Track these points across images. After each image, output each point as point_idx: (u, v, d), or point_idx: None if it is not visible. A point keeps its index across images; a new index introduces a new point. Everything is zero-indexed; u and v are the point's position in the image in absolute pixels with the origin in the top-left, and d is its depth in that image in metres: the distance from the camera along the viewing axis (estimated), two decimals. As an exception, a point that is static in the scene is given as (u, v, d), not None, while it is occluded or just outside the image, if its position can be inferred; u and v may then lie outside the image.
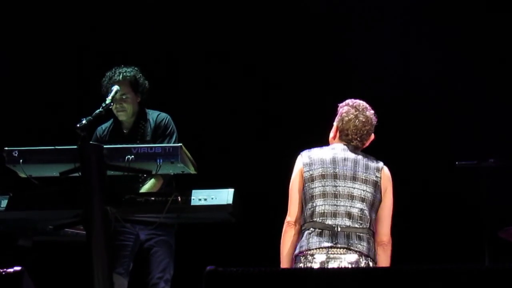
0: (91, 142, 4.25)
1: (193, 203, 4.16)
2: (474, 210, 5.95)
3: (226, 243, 6.92)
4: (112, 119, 5.71)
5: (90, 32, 7.23)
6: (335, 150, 4.65)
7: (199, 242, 6.76)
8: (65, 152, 4.11)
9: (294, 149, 4.85)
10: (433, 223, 6.86)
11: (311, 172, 4.59)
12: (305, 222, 4.56)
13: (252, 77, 7.27)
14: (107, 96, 4.74)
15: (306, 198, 4.58)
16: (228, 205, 4.17)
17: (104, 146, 4.13)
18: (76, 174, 4.12)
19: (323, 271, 3.24)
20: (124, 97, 5.57)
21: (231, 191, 4.16)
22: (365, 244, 4.48)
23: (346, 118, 4.65)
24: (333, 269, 4.04)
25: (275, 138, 7.06)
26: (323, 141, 4.87)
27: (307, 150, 4.70)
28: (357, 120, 4.63)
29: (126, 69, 5.63)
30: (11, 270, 2.86)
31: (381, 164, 4.65)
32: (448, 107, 6.88)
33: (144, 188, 5.42)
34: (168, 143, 5.46)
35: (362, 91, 7.01)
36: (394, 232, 6.87)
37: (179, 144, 4.16)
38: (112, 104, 4.64)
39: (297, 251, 4.53)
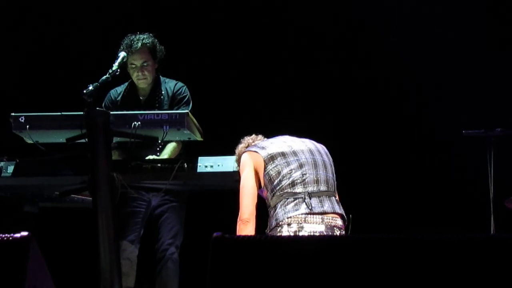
0: (98, 108, 4.22)
1: (199, 170, 4.16)
2: (480, 179, 5.94)
3: (232, 211, 6.92)
4: (127, 83, 5.65)
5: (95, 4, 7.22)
6: (279, 136, 4.75)
7: (205, 209, 6.76)
8: (72, 118, 4.10)
9: (302, 116, 4.85)
10: (440, 191, 6.86)
11: (269, 153, 4.55)
12: (273, 197, 4.47)
13: (258, 47, 7.24)
14: (114, 63, 4.70)
15: (271, 177, 4.50)
16: (234, 172, 4.18)
17: (111, 113, 4.13)
18: (83, 140, 4.12)
19: (323, 238, 3.24)
20: (145, 64, 5.51)
21: (237, 158, 4.16)
22: (336, 205, 4.49)
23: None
24: (327, 236, 4.07)
25: (284, 106, 7.04)
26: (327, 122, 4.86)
27: (251, 147, 4.68)
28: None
29: (143, 36, 5.50)
30: (18, 235, 2.86)
31: None
32: (455, 76, 6.85)
33: (166, 152, 5.38)
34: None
35: (369, 60, 7.03)
36: (401, 201, 6.91)
37: (186, 111, 4.14)
38: (118, 70, 4.60)
39: (273, 224, 4.42)
